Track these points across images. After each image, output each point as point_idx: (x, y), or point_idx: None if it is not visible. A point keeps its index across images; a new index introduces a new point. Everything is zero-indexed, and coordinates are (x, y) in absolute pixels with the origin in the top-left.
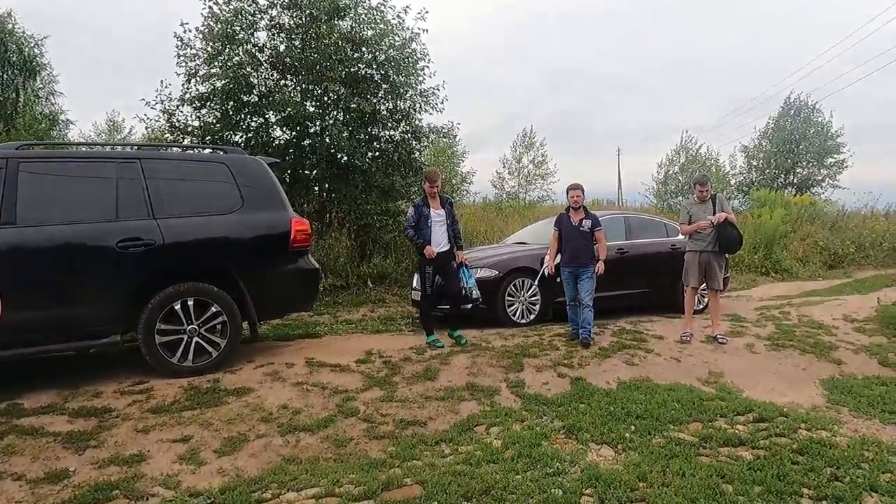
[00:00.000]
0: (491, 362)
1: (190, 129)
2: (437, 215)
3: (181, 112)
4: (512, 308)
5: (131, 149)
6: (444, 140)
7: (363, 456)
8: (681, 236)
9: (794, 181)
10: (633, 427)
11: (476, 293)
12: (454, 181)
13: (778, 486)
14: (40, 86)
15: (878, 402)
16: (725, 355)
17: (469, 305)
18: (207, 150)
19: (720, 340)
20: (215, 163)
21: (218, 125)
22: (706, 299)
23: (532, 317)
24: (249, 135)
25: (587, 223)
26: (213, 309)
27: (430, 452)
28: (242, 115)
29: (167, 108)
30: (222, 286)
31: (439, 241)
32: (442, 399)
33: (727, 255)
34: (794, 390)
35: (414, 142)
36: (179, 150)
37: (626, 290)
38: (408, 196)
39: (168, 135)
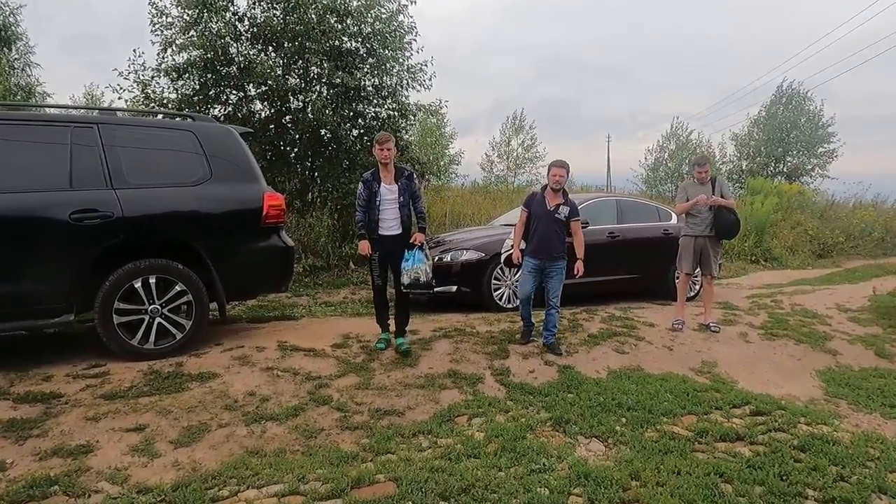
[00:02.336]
0: (475, 348)
1: (166, 101)
2: (388, 192)
3: (157, 83)
4: (498, 292)
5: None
6: (433, 120)
7: (334, 449)
8: (673, 220)
9: (784, 170)
10: (624, 419)
11: (423, 277)
12: (442, 163)
13: (780, 486)
14: (16, 56)
15: (877, 395)
16: (718, 344)
17: (421, 291)
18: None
19: (713, 329)
20: (181, 131)
21: (196, 98)
22: (698, 286)
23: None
24: (229, 109)
25: (565, 210)
26: (177, 288)
27: (407, 445)
28: (221, 88)
29: (141, 78)
30: (188, 263)
31: (390, 225)
32: (421, 387)
33: (722, 241)
34: (790, 381)
35: (400, 119)
36: (143, 116)
37: (616, 275)
38: None
39: (143, 107)
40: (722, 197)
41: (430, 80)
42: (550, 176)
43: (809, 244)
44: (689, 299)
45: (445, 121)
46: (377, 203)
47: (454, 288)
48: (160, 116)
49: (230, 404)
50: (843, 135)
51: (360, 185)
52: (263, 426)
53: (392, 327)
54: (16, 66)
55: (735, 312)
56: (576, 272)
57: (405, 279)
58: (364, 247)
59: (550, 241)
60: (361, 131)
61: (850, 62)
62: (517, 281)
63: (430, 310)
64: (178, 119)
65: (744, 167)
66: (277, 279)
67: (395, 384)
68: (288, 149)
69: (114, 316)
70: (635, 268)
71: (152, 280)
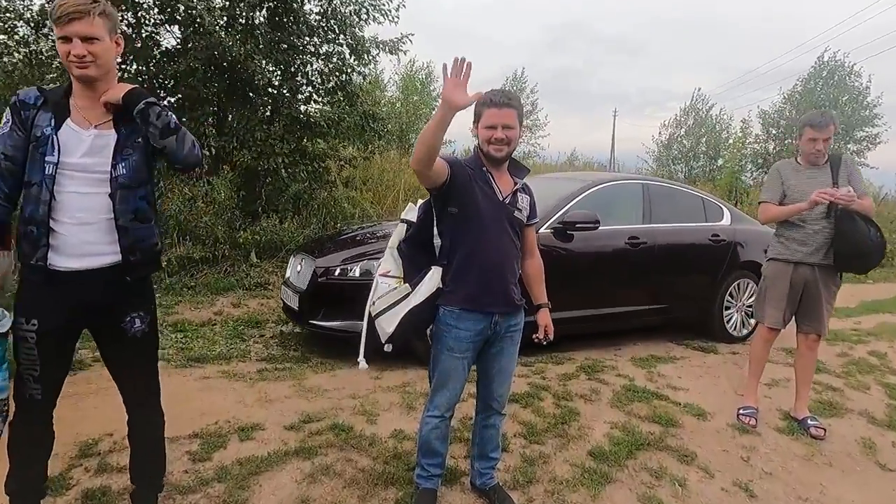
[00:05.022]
0: (349, 494)
1: (27, 16)
2: (88, 144)
3: None
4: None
5: None
6: (420, 75)
7: None
8: (725, 220)
9: None
10: None
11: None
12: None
13: None
14: None
15: None
16: (832, 471)
17: None
18: None
19: (812, 430)
20: None
21: None
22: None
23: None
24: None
25: (524, 202)
26: None
27: None
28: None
29: None
30: None
31: (85, 242)
32: None
33: (841, 276)
34: None
35: (352, 58)
36: None
37: (636, 304)
38: (337, 132)
39: None
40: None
41: (396, 10)
42: (483, 126)
43: None
44: (736, 339)
45: (433, 76)
46: (48, 173)
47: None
48: None
49: None
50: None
51: (8, 111)
52: None
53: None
54: None
55: (828, 383)
56: (542, 337)
57: None
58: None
59: (508, 269)
60: (292, 69)
61: (877, 46)
62: None
63: (319, 349)
64: None
65: (770, 149)
66: None
67: None
68: (194, 90)
69: None
70: (666, 293)
71: None
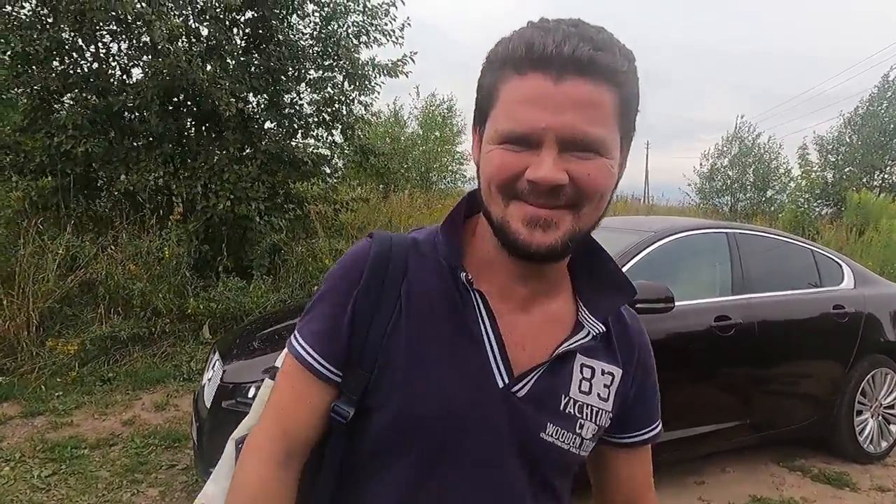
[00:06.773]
0: None
1: None
2: None
3: None
4: None
5: None
6: (444, 107)
7: None
8: (847, 281)
9: (882, 184)
10: None
11: None
12: (448, 164)
13: None
14: None
15: None
16: None
17: None
18: None
19: None
20: None
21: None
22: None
23: None
24: (84, 64)
25: (599, 388)
26: None
27: None
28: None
29: None
30: None
31: None
32: None
33: None
34: None
35: (348, 85)
36: None
37: (724, 420)
38: (333, 171)
39: None
40: None
41: (401, 29)
42: (495, 150)
43: None
44: (875, 458)
45: (454, 109)
46: None
47: None
48: None
49: None
50: None
51: None
52: None
53: None
54: None
55: None
56: None
57: None
58: None
59: None
60: (275, 100)
61: None
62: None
63: None
64: None
65: (829, 179)
66: None
67: None
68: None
69: None
70: (768, 399)
71: None
